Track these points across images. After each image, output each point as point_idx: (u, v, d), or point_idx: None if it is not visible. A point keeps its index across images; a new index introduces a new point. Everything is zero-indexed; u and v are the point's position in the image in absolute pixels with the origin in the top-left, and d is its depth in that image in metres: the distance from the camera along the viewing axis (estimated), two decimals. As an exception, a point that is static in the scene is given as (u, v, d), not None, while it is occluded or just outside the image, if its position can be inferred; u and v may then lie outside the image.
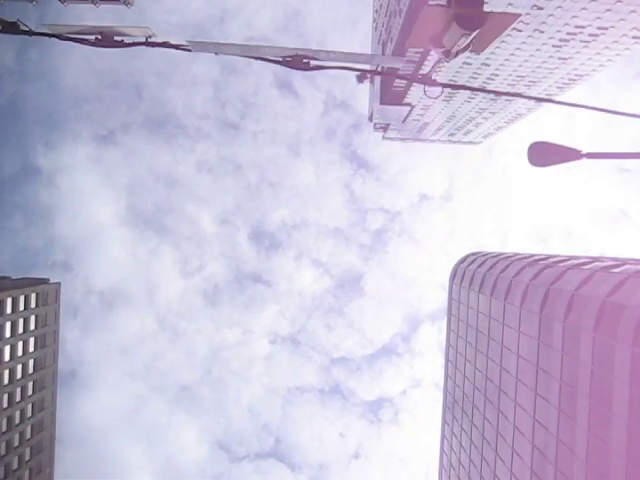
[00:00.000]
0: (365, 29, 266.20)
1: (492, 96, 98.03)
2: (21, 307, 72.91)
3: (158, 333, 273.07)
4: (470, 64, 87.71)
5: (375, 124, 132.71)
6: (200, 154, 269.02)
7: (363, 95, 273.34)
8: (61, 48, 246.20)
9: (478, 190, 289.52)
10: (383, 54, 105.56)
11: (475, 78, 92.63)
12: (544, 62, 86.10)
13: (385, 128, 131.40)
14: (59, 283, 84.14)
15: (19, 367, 73.38)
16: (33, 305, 76.03)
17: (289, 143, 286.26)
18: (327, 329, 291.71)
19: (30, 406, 76.12)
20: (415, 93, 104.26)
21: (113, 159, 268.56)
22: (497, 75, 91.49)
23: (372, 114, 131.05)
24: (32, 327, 75.95)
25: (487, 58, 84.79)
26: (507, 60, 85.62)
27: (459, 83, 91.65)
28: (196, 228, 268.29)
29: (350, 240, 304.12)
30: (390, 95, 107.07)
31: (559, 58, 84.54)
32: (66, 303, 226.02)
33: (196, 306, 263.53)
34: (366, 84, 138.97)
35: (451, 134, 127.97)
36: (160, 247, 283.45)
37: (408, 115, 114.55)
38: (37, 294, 77.01)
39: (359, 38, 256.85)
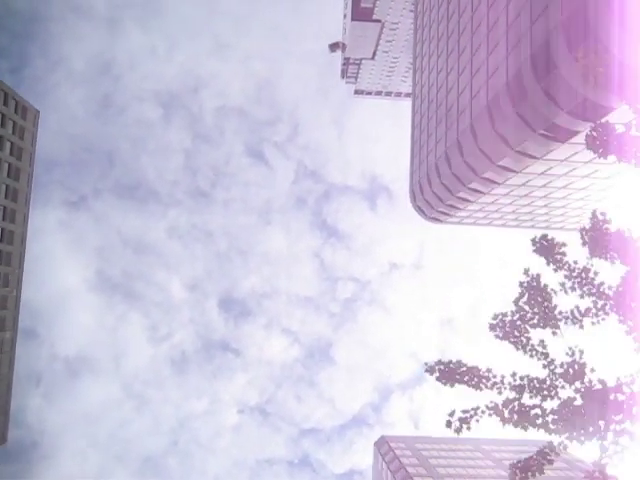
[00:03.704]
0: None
1: None
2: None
3: (124, 401, 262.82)
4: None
5: (346, 74, 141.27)
6: (171, 221, 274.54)
7: (335, 160, 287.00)
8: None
9: (449, 258, 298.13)
10: None
11: None
12: None
13: (355, 76, 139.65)
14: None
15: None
16: None
17: (259, 211, 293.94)
18: (296, 399, 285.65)
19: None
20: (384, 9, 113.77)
21: (83, 224, 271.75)
22: None
23: (345, 65, 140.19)
24: None
25: None
26: None
27: None
28: (165, 295, 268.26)
29: (320, 309, 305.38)
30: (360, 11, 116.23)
31: None
32: (29, 371, 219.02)
33: (163, 374, 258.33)
34: (338, 53, 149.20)
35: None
36: (128, 313, 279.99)
37: (378, 43, 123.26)
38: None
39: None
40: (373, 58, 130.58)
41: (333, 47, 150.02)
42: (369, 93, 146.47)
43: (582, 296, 7.67)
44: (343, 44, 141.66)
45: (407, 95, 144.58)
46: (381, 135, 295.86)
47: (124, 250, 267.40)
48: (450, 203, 50.15)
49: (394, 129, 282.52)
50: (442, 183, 47.73)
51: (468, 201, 47.75)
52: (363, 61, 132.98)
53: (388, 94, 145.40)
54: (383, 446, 73.92)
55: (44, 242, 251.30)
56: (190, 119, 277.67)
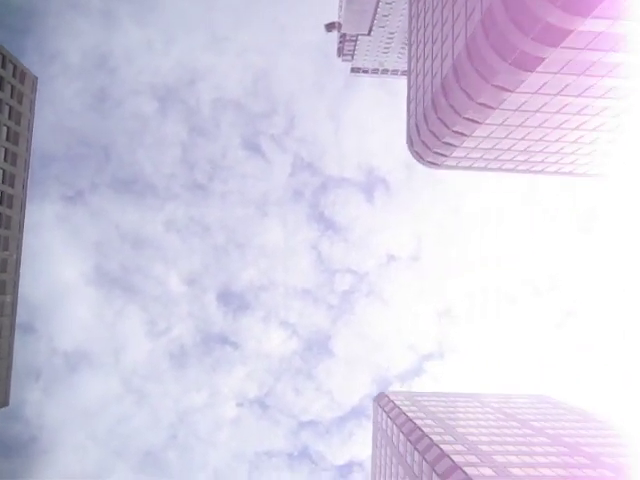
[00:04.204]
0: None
1: None
2: None
3: (123, 396, 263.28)
4: None
5: (342, 52, 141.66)
6: (168, 214, 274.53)
7: (331, 152, 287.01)
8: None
9: (446, 249, 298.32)
10: None
11: None
12: None
13: (352, 54, 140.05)
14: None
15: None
16: None
17: (257, 204, 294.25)
18: (295, 392, 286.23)
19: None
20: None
21: (80, 219, 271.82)
22: None
23: (341, 43, 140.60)
24: None
25: None
26: None
27: None
28: (163, 289, 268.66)
29: (318, 301, 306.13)
30: None
31: None
32: (28, 366, 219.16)
33: (162, 368, 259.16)
34: (334, 33, 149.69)
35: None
36: (127, 307, 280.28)
37: (374, 17, 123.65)
38: None
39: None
40: (369, 34, 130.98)
41: (329, 27, 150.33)
42: (365, 71, 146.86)
43: None
44: (339, 24, 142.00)
45: (403, 73, 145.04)
46: (377, 127, 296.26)
47: (122, 244, 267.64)
48: (446, 140, 50.58)
49: (390, 121, 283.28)
50: (438, 118, 48.19)
51: (464, 135, 48.20)
52: (359, 37, 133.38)
53: (385, 72, 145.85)
54: (383, 401, 73.13)
55: (42, 237, 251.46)
56: (186, 112, 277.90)
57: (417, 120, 53.65)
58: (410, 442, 56.85)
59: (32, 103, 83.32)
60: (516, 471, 44.86)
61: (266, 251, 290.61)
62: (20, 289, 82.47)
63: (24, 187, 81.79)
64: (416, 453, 55.45)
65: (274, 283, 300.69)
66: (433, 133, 50.64)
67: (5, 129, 76.58)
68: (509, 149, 51.44)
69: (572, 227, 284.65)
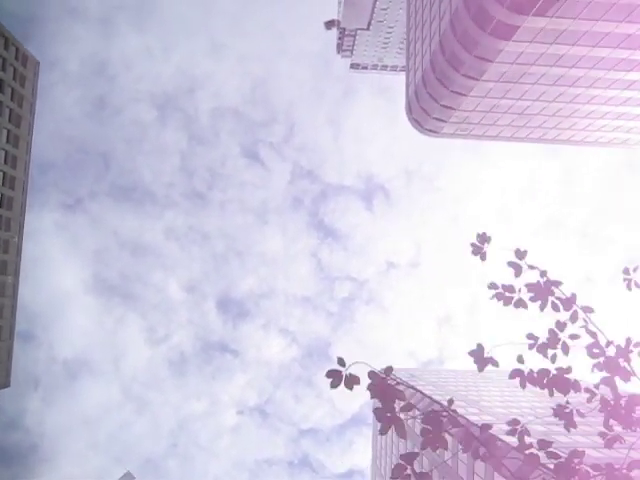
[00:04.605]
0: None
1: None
2: None
3: (123, 403, 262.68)
4: None
5: (342, 48, 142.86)
6: (167, 222, 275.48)
7: (330, 160, 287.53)
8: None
9: (445, 256, 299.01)
10: None
11: None
12: None
13: (351, 49, 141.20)
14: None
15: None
16: None
17: (256, 212, 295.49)
18: (295, 399, 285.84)
19: None
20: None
21: (80, 227, 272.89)
22: None
23: (340, 39, 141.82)
24: None
25: None
26: None
27: None
28: (163, 296, 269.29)
29: (318, 309, 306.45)
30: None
31: None
32: (28, 374, 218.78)
33: (162, 376, 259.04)
34: (334, 30, 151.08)
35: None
36: (126, 315, 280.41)
37: (373, 11, 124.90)
38: None
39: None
40: (368, 28, 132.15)
41: (329, 25, 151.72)
42: (365, 67, 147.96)
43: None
44: (338, 21, 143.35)
45: (402, 69, 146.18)
46: (377, 135, 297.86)
47: (121, 252, 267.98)
48: (444, 103, 51.08)
49: (390, 129, 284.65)
50: (437, 78, 48.71)
51: (462, 95, 48.68)
52: (358, 32, 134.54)
53: (384, 67, 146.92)
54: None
55: (41, 245, 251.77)
56: (186, 120, 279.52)
57: (416, 86, 54.17)
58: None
59: (34, 87, 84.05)
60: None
61: (266, 259, 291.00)
62: (19, 296, 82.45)
63: (24, 190, 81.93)
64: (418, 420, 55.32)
65: (274, 291, 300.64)
66: (431, 95, 51.13)
67: (8, 111, 77.23)
68: (507, 112, 51.90)
69: (572, 230, 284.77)
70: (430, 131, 57.76)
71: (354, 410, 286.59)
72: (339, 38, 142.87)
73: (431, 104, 52.26)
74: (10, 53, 77.26)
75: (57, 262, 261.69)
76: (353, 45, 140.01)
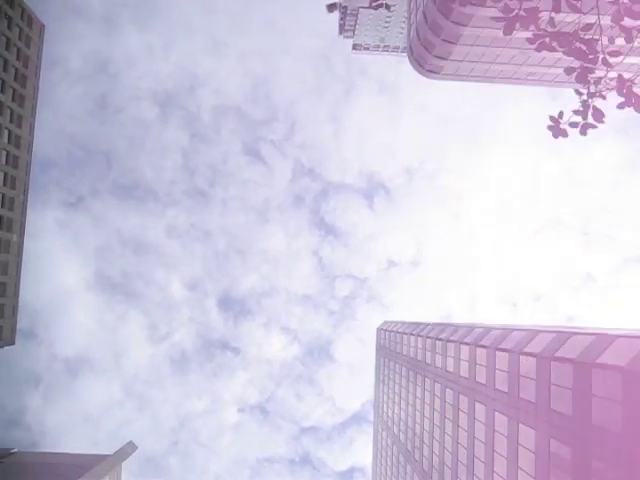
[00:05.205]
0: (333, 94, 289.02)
1: None
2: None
3: (124, 401, 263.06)
4: None
5: (344, 28, 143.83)
6: (169, 220, 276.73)
7: (331, 158, 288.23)
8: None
9: (446, 255, 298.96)
10: None
11: None
12: None
13: (353, 29, 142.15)
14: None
15: None
16: None
17: (258, 210, 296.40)
18: (296, 397, 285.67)
19: None
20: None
21: (81, 225, 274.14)
22: None
23: (342, 20, 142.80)
24: None
25: None
26: None
27: None
28: (165, 294, 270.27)
29: (319, 307, 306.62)
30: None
31: None
32: (28, 371, 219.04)
33: (164, 373, 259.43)
34: (336, 14, 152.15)
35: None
36: (128, 313, 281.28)
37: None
38: None
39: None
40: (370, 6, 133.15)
41: (331, 7, 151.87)
42: (367, 48, 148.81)
43: None
44: (340, 4, 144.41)
45: (404, 50, 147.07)
46: (378, 133, 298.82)
47: (123, 250, 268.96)
48: (445, 38, 51.73)
49: (391, 127, 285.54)
50: (438, 9, 49.35)
51: (462, 25, 49.29)
52: (360, 10, 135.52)
53: (385, 48, 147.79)
54: (386, 325, 72.57)
55: (43, 243, 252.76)
56: (187, 118, 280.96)
57: (417, 24, 54.83)
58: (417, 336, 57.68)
59: (39, 50, 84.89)
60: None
61: (267, 257, 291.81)
62: (21, 295, 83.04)
63: (25, 190, 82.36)
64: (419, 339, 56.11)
65: (275, 289, 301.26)
66: (432, 30, 51.77)
67: (13, 70, 78.06)
68: (507, 45, 52.48)
69: (574, 230, 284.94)
70: (431, 72, 58.38)
71: (355, 408, 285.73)
72: (341, 19, 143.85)
73: (432, 39, 52.91)
74: (16, 12, 78.17)
75: (59, 260, 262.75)
76: (355, 25, 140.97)
